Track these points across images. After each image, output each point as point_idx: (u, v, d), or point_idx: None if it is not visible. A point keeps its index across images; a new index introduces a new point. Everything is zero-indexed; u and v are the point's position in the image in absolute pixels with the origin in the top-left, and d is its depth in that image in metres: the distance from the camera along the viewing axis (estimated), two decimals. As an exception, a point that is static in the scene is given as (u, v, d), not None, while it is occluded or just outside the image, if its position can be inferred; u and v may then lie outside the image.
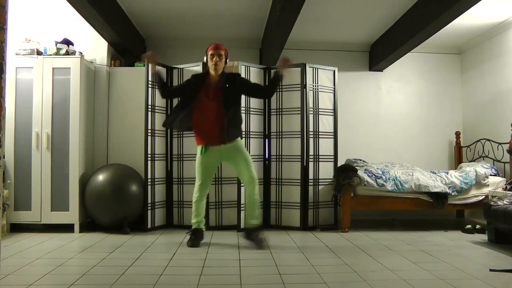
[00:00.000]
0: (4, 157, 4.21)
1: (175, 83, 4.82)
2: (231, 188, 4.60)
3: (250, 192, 3.76)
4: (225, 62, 3.76)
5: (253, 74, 4.70)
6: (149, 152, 4.52)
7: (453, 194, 4.54)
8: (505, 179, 4.71)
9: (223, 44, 5.77)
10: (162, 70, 3.86)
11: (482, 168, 4.73)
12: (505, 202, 3.76)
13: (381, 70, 5.86)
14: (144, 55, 3.85)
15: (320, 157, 4.73)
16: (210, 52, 3.69)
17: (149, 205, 4.49)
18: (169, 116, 3.91)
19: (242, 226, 4.47)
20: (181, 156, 4.75)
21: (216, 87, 3.73)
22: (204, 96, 3.70)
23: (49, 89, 4.37)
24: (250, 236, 3.73)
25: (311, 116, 4.69)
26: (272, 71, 3.81)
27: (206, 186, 3.87)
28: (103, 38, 4.67)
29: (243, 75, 4.57)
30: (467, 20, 4.78)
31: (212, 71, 3.72)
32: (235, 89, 3.76)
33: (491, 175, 4.74)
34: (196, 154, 4.57)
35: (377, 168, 4.71)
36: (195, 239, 3.75)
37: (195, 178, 4.59)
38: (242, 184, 4.51)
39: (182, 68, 4.80)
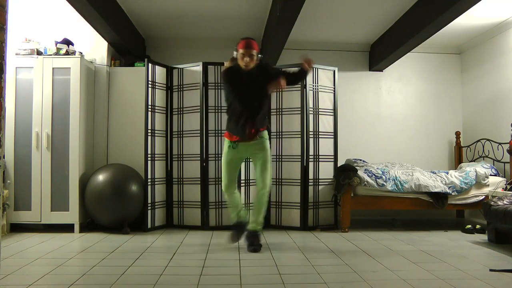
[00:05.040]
0: (4, 157, 4.21)
1: (175, 83, 4.82)
2: (231, 188, 4.60)
3: (260, 196, 3.66)
4: (257, 57, 3.58)
5: (253, 74, 4.70)
6: (149, 152, 4.52)
7: (453, 194, 4.54)
8: (505, 179, 4.71)
9: (224, 43, 5.76)
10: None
11: (482, 168, 4.72)
12: (505, 202, 3.76)
13: (381, 70, 5.86)
14: None
15: (320, 157, 4.73)
16: (240, 51, 3.51)
17: (149, 205, 4.49)
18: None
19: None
20: (181, 156, 4.75)
21: (250, 78, 3.56)
22: (238, 91, 3.56)
23: (49, 89, 4.37)
24: (250, 239, 3.64)
25: (311, 116, 4.69)
26: (295, 69, 3.64)
27: (232, 185, 3.70)
28: (103, 38, 4.67)
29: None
30: (467, 20, 4.79)
31: (242, 67, 3.57)
32: (267, 77, 3.56)
33: (491, 175, 4.74)
34: (197, 154, 4.62)
35: (377, 168, 4.71)
36: (235, 234, 3.67)
37: (194, 178, 4.63)
38: (242, 184, 4.54)
39: (182, 68, 4.80)
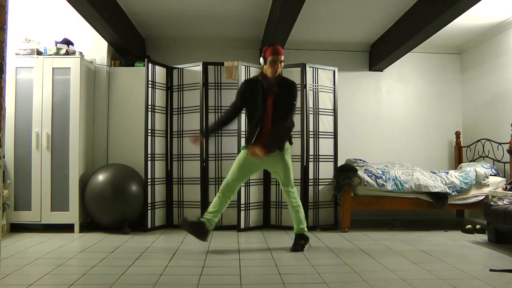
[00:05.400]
0: (4, 157, 4.21)
1: (175, 83, 4.82)
2: (231, 188, 4.59)
3: (288, 202, 3.64)
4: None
5: (253, 74, 4.69)
6: (149, 152, 4.52)
7: (453, 194, 4.54)
8: (505, 179, 4.71)
9: (224, 43, 5.76)
10: (210, 128, 3.72)
11: (482, 168, 4.72)
12: (505, 202, 3.76)
13: (381, 70, 5.86)
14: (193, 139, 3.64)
15: (320, 157, 4.73)
16: (270, 58, 3.43)
17: (149, 205, 4.49)
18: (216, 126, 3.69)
19: (242, 226, 4.48)
20: (181, 156, 4.75)
21: (271, 93, 3.50)
22: (260, 101, 3.49)
23: (49, 89, 4.37)
24: (298, 242, 3.61)
25: (311, 116, 4.69)
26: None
27: (233, 187, 3.60)
28: (103, 38, 4.67)
29: (243, 75, 4.57)
30: (467, 20, 4.79)
31: (270, 75, 3.50)
32: (284, 96, 3.51)
33: (491, 175, 4.74)
34: (197, 154, 4.62)
35: (377, 168, 4.71)
36: (190, 227, 3.49)
37: (194, 178, 4.63)
38: (242, 185, 4.53)
39: (182, 68, 4.80)
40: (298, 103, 4.58)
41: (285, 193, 3.64)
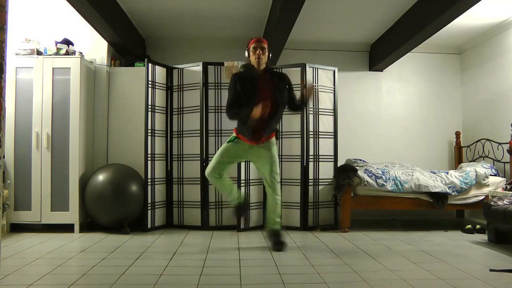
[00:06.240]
0: (4, 157, 4.21)
1: (175, 83, 4.82)
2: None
3: (271, 196, 3.66)
4: (268, 57, 3.64)
5: (253, 74, 4.70)
6: (149, 152, 4.52)
7: (453, 194, 4.54)
8: (505, 179, 4.71)
9: (224, 43, 5.79)
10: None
11: (482, 168, 4.72)
12: (505, 202, 3.76)
13: (381, 70, 5.86)
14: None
15: (320, 157, 4.73)
16: (252, 46, 3.59)
17: (149, 205, 4.49)
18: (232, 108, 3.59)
19: (242, 226, 4.48)
20: (181, 156, 4.75)
21: (264, 82, 3.58)
22: (252, 92, 3.54)
23: (49, 89, 4.37)
24: (272, 238, 3.66)
25: (311, 116, 4.69)
26: (298, 93, 3.81)
27: (221, 168, 3.64)
28: (103, 38, 4.67)
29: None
30: (467, 20, 4.79)
31: (255, 65, 3.60)
32: (284, 87, 3.66)
33: (491, 175, 4.74)
34: (197, 154, 4.62)
35: (377, 168, 4.71)
36: (236, 214, 3.79)
37: (194, 178, 4.64)
38: (242, 184, 4.53)
39: (182, 68, 4.80)
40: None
41: (271, 188, 3.65)
